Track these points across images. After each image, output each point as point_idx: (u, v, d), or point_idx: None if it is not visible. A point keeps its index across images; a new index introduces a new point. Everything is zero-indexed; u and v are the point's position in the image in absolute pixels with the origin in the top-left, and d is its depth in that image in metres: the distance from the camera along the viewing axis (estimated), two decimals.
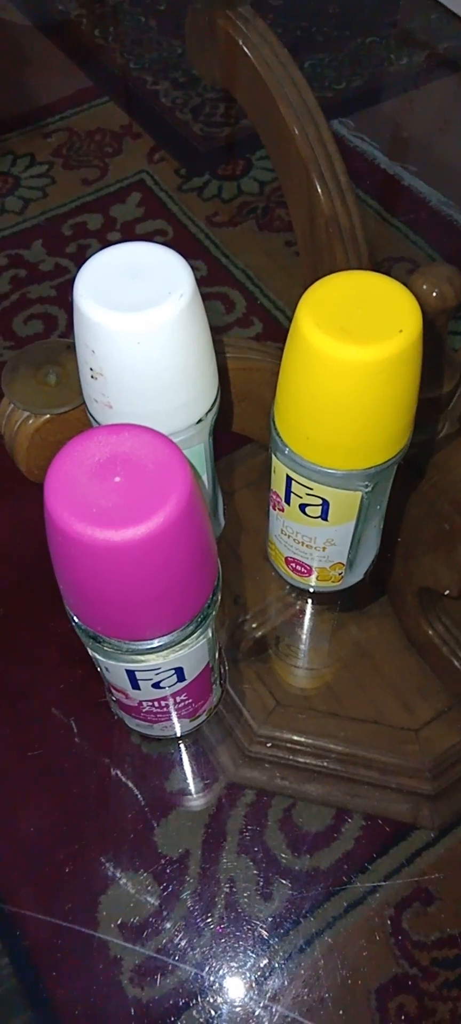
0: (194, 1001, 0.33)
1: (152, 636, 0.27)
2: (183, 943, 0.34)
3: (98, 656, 0.29)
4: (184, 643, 0.28)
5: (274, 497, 0.37)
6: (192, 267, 0.29)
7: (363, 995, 0.33)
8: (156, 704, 0.32)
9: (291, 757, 0.38)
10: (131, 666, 0.29)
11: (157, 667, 0.29)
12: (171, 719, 0.35)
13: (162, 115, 0.76)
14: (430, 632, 0.41)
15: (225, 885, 0.35)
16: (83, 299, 0.28)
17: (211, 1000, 0.33)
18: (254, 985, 0.33)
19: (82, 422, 0.36)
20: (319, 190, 0.45)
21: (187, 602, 0.27)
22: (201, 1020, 0.32)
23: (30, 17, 0.88)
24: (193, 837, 0.36)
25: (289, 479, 0.34)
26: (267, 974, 0.33)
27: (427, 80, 0.80)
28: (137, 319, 0.27)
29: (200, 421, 0.32)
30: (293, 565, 0.39)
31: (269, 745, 0.38)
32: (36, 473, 0.38)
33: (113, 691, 0.33)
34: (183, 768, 0.38)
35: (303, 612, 0.43)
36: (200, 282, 0.29)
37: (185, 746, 0.39)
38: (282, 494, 0.35)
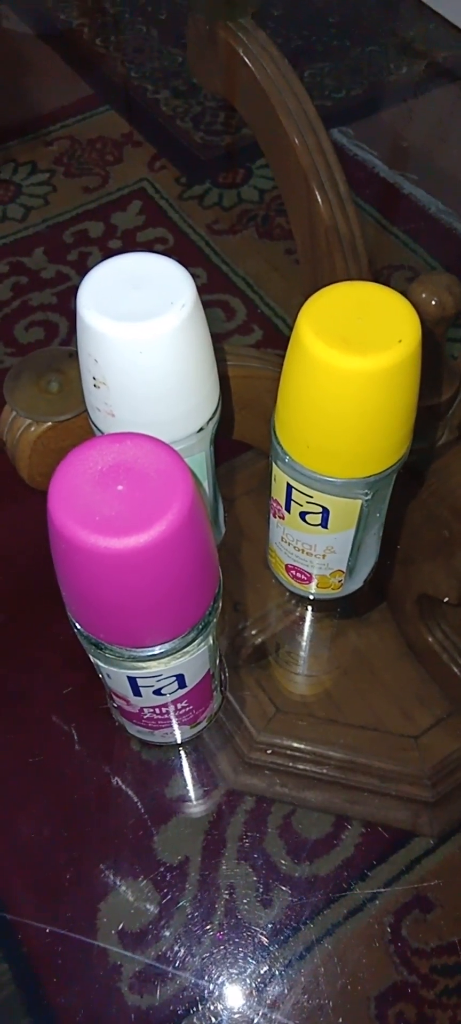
0: (194, 1008, 0.33)
1: (154, 643, 0.27)
2: (183, 950, 0.34)
3: (100, 663, 0.29)
4: (185, 650, 0.28)
5: (274, 505, 0.37)
6: (192, 275, 0.30)
7: (362, 1002, 0.33)
8: (157, 711, 0.32)
9: (291, 764, 0.38)
10: (133, 673, 0.29)
11: (158, 674, 0.29)
12: (172, 726, 0.35)
13: (163, 124, 0.77)
14: (429, 639, 0.41)
15: (225, 892, 0.35)
16: (86, 309, 0.28)
17: (211, 1007, 0.33)
18: (254, 992, 0.33)
19: (84, 430, 0.36)
20: (319, 199, 0.46)
21: (188, 609, 0.27)
22: None
23: (32, 25, 0.89)
24: (193, 844, 0.36)
25: (289, 487, 0.34)
26: (267, 981, 0.33)
27: (426, 89, 0.81)
28: (139, 329, 0.27)
29: (201, 430, 0.32)
30: (293, 572, 0.39)
31: (269, 752, 0.38)
32: (38, 480, 0.38)
33: (114, 697, 0.33)
34: (183, 775, 0.38)
35: (303, 619, 0.43)
36: (200, 289, 0.29)
37: (185, 753, 0.39)
38: (282, 502, 0.35)
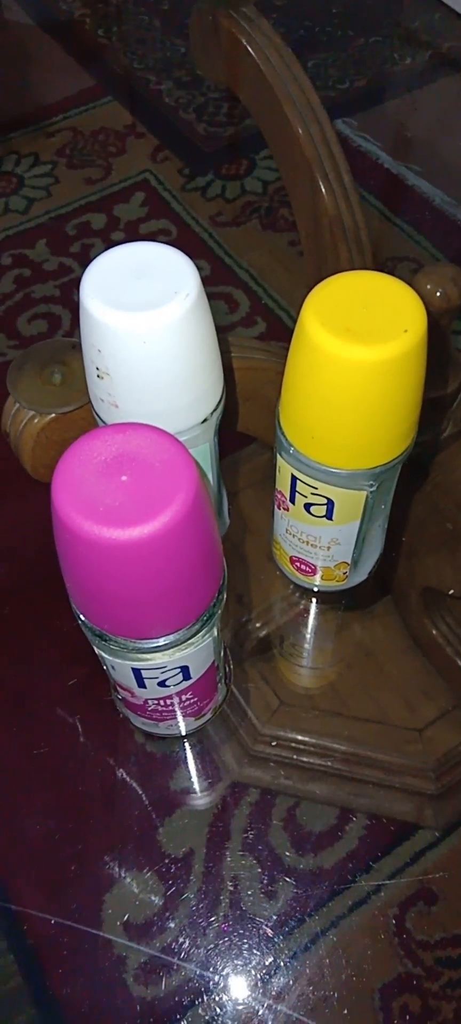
0: (199, 1000, 0.33)
1: (158, 634, 0.27)
2: (187, 941, 0.34)
3: (104, 654, 0.29)
4: (190, 641, 0.28)
5: (279, 496, 0.37)
6: (195, 266, 0.29)
7: (367, 994, 0.33)
8: (162, 703, 0.32)
9: (295, 756, 0.38)
10: (137, 664, 0.29)
11: (163, 665, 0.29)
12: (176, 718, 0.35)
13: (166, 115, 0.76)
14: (434, 632, 0.41)
15: (229, 884, 0.35)
16: (90, 299, 0.28)
17: (216, 998, 0.33)
18: (258, 984, 0.33)
19: (87, 421, 0.36)
20: (323, 190, 0.45)
21: (193, 600, 0.27)
22: (206, 1018, 0.32)
23: (34, 17, 0.88)
24: (197, 836, 0.36)
25: (294, 478, 0.34)
26: (271, 973, 0.33)
27: (430, 80, 0.80)
28: (143, 319, 0.27)
29: (205, 420, 0.32)
30: (298, 564, 0.39)
31: (273, 744, 0.38)
32: (41, 472, 0.38)
33: (119, 689, 0.33)
34: (187, 767, 0.38)
35: (307, 612, 0.43)
36: (203, 281, 0.29)
37: (189, 745, 0.39)
38: (287, 493, 0.35)
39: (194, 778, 0.38)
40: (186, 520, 0.23)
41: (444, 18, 0.86)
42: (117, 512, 0.23)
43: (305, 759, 0.38)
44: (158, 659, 0.28)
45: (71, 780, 0.38)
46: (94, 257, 0.29)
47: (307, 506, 0.35)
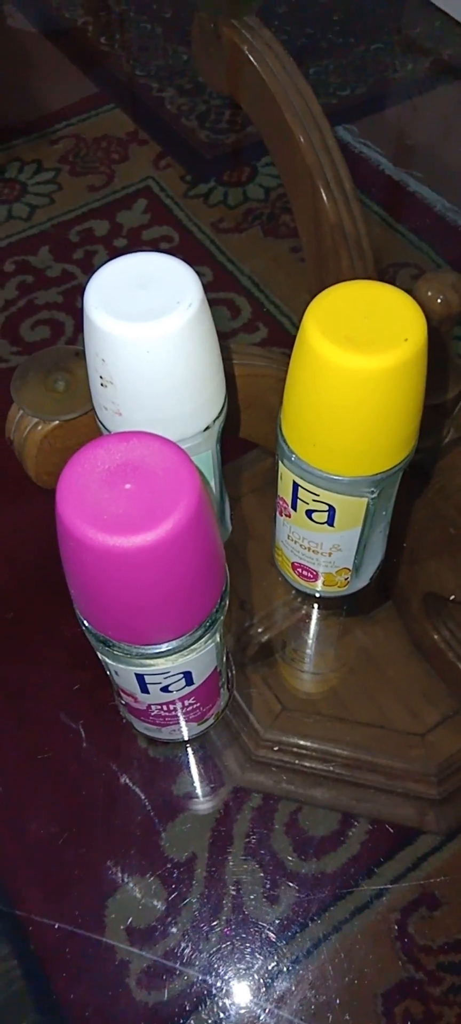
0: (201, 1005, 0.33)
1: (161, 640, 0.28)
2: (190, 946, 0.34)
3: (108, 660, 0.29)
4: (193, 647, 0.29)
5: (281, 503, 0.37)
6: (197, 273, 0.30)
7: (369, 999, 0.33)
8: (164, 708, 0.33)
9: (297, 761, 0.38)
10: (140, 670, 0.29)
11: (166, 671, 0.29)
12: (179, 723, 0.35)
13: (168, 122, 0.77)
14: (436, 637, 0.41)
15: (232, 889, 0.35)
16: (93, 309, 0.28)
17: (218, 1003, 0.33)
18: (261, 988, 0.33)
19: (90, 429, 0.36)
20: (324, 197, 0.46)
21: (196, 607, 0.28)
22: (209, 1022, 0.32)
23: (37, 24, 0.89)
24: (200, 841, 0.36)
25: (296, 485, 0.34)
26: (274, 977, 0.33)
27: (431, 86, 0.81)
28: (146, 328, 0.27)
29: (208, 428, 0.32)
30: (299, 570, 0.39)
31: (275, 749, 0.38)
32: (45, 479, 0.38)
33: (122, 695, 0.33)
34: (190, 772, 0.38)
35: (309, 617, 0.43)
36: (206, 288, 0.29)
37: (192, 750, 0.39)
38: (289, 500, 0.35)
39: (196, 783, 0.38)
40: (189, 527, 0.24)
41: (445, 25, 0.87)
42: (121, 520, 0.23)
43: (307, 764, 0.38)
44: (161, 665, 0.29)
45: (74, 785, 0.38)
46: (97, 264, 0.30)
47: (309, 512, 0.35)
